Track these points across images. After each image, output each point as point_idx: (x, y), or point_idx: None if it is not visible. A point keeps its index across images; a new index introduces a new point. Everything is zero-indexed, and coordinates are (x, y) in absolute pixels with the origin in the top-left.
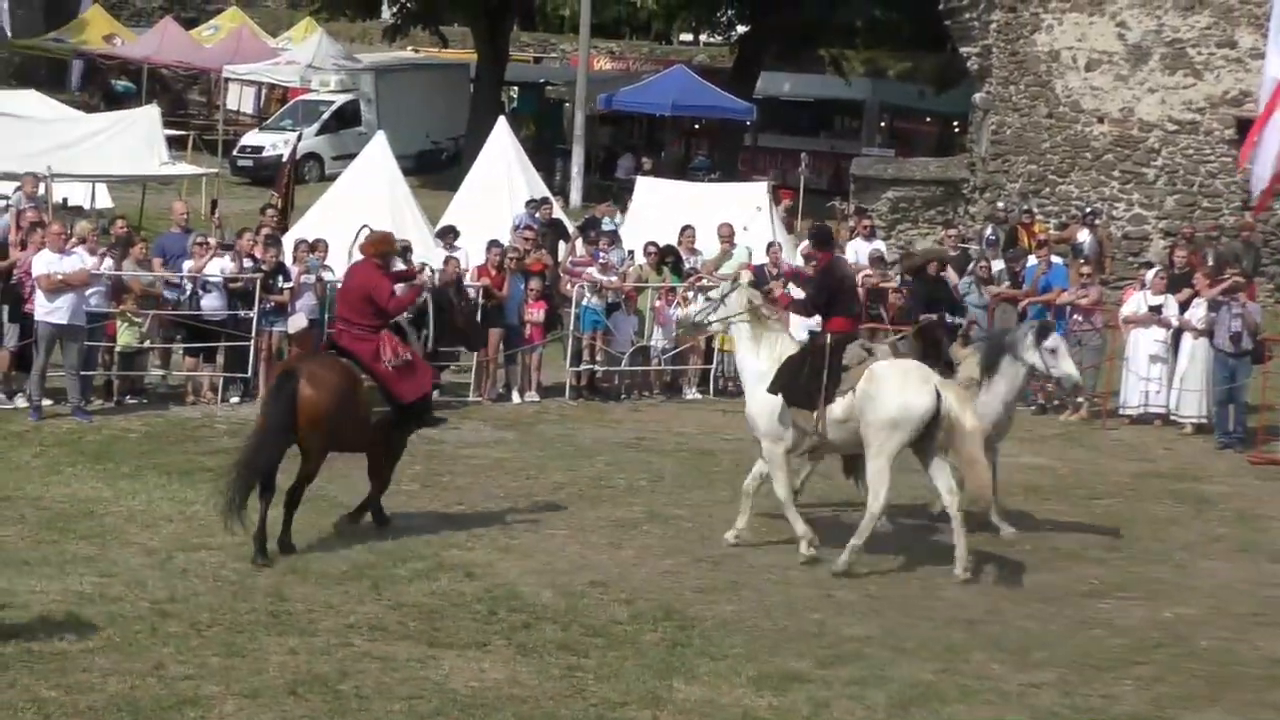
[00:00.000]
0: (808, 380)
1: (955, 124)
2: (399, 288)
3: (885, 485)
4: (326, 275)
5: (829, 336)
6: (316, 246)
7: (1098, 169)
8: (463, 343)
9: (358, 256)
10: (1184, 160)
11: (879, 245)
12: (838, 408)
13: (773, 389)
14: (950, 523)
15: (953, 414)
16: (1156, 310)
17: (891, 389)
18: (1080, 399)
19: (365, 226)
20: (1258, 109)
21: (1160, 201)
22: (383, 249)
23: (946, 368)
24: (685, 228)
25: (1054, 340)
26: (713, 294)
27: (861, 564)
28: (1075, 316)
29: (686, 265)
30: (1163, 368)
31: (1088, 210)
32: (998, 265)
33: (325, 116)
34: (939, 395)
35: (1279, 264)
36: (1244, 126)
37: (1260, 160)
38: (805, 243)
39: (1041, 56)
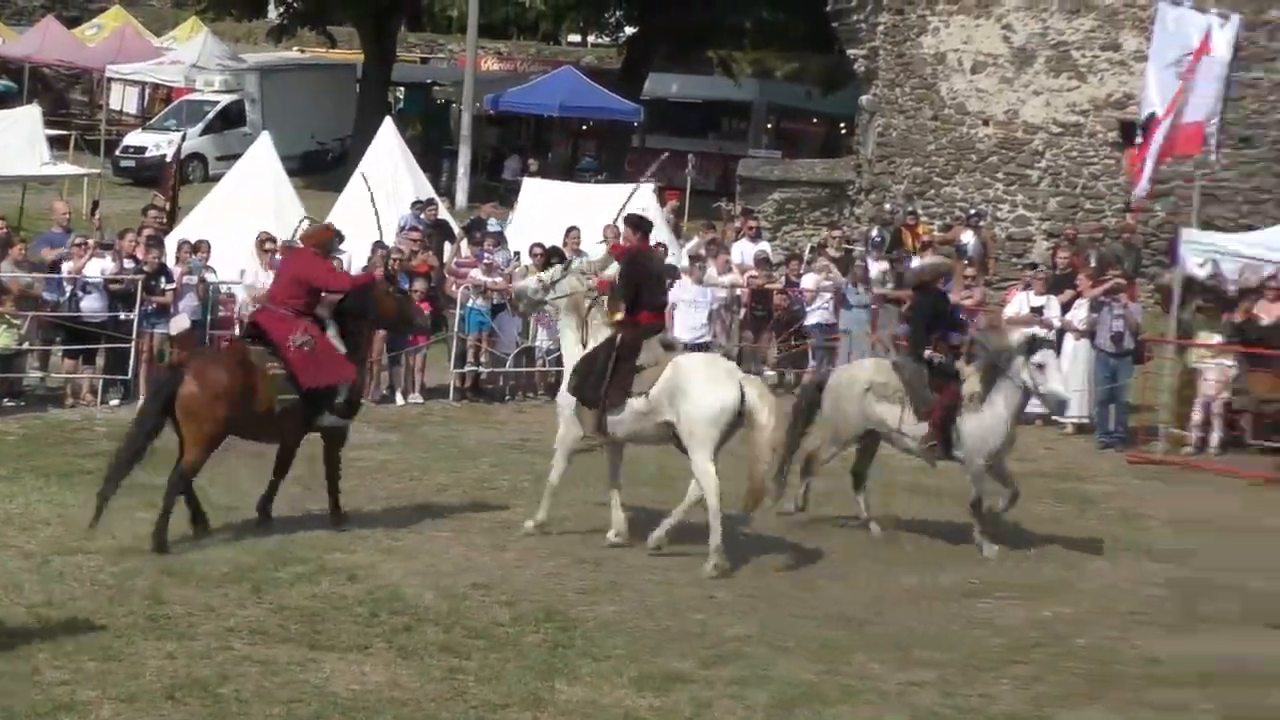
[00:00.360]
0: (599, 375)
1: (842, 126)
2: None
3: (715, 479)
4: (209, 276)
5: (631, 330)
6: (199, 247)
7: (982, 171)
8: (411, 329)
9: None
10: (1067, 162)
11: (765, 246)
12: (638, 403)
13: (569, 387)
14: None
15: (754, 409)
16: (1039, 311)
17: (701, 383)
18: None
19: (305, 219)
20: (1139, 113)
21: (1044, 203)
22: (322, 239)
23: (954, 382)
24: (571, 229)
25: (1042, 355)
26: (544, 275)
27: (742, 564)
28: (959, 318)
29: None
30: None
31: (972, 212)
32: (881, 266)
33: (210, 117)
34: (742, 389)
35: (1160, 265)
36: (1127, 129)
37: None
38: (693, 242)
39: (928, 59)
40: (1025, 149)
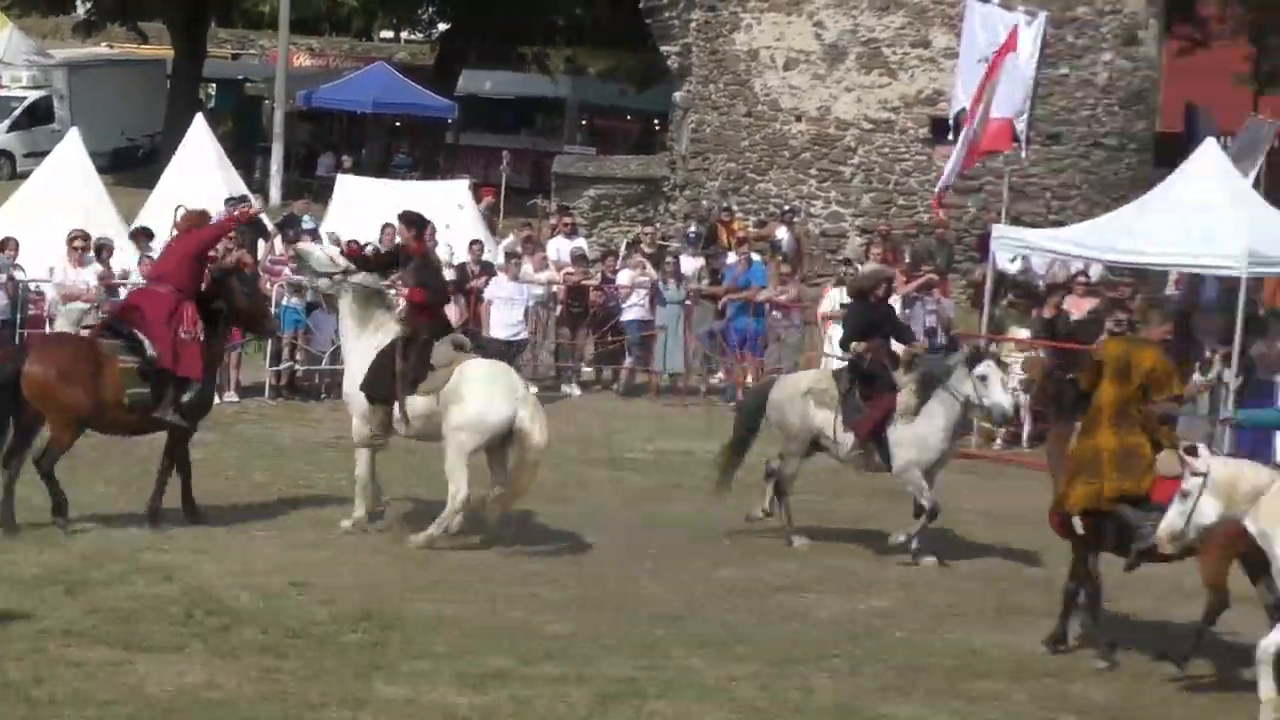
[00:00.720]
0: (392, 373)
1: (656, 122)
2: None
3: (464, 479)
4: (17, 275)
5: (426, 328)
6: (6, 245)
7: (795, 167)
8: (250, 327)
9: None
10: (880, 159)
11: (580, 243)
12: (421, 403)
13: (363, 387)
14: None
15: (524, 426)
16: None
17: (479, 391)
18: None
19: (180, 207)
20: (950, 110)
21: (857, 199)
22: (198, 221)
23: (890, 392)
24: (385, 226)
25: (984, 367)
26: (338, 258)
27: (564, 562)
28: (774, 313)
29: None
30: None
31: (786, 208)
32: (696, 262)
33: (16, 113)
34: (517, 410)
35: (971, 261)
36: (938, 125)
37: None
38: (508, 239)
39: (740, 55)
40: (838, 145)
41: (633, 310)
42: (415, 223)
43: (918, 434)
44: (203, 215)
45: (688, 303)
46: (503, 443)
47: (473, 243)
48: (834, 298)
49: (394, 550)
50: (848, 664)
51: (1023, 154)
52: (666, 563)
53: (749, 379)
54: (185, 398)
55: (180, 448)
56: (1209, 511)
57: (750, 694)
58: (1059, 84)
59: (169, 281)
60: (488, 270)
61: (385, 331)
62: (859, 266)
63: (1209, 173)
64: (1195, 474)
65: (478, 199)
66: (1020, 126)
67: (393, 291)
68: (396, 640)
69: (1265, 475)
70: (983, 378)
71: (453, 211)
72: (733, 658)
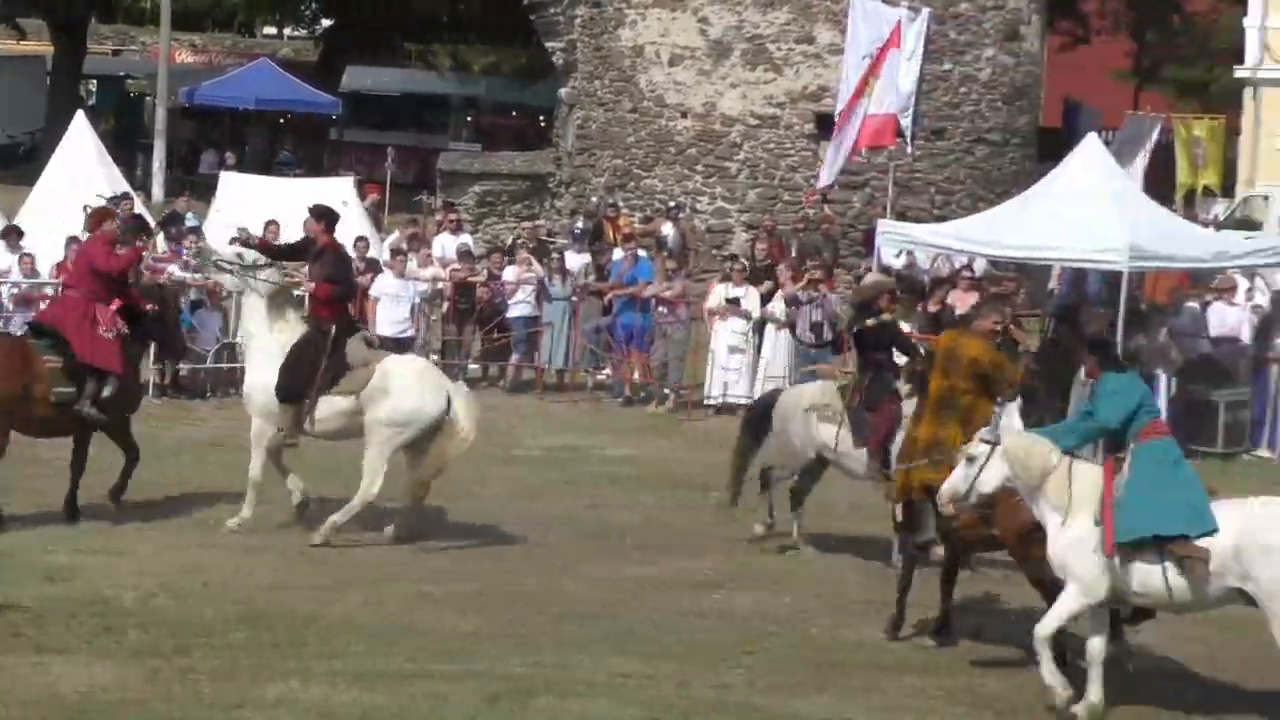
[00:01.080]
0: (307, 372)
1: (541, 118)
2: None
3: (380, 476)
4: None
5: (337, 326)
6: None
7: (681, 163)
8: (165, 346)
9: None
10: (765, 154)
11: (466, 240)
12: (341, 403)
13: (278, 388)
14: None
15: (456, 418)
16: (737, 302)
17: (407, 388)
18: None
19: (86, 206)
20: (835, 106)
21: (742, 195)
22: (102, 219)
23: (893, 400)
24: (270, 223)
25: None
26: (245, 253)
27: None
28: (660, 309)
29: None
30: (743, 358)
31: (671, 204)
32: (583, 259)
33: None
34: (450, 398)
35: (857, 256)
36: (823, 121)
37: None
38: (394, 236)
39: (626, 52)
40: (723, 141)
41: (519, 307)
42: (325, 216)
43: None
44: (104, 210)
45: (574, 299)
46: (424, 436)
47: (358, 240)
48: (720, 293)
49: (285, 549)
50: (763, 661)
51: (908, 149)
52: (574, 560)
53: (635, 375)
54: (104, 392)
55: (85, 447)
56: (992, 479)
57: (666, 692)
58: (943, 79)
59: (82, 287)
60: (373, 267)
61: (292, 330)
62: (865, 278)
63: (1091, 168)
64: (984, 441)
65: (363, 196)
66: (905, 122)
67: (298, 291)
68: (292, 639)
69: (1056, 457)
70: None
71: (338, 209)
72: (648, 655)
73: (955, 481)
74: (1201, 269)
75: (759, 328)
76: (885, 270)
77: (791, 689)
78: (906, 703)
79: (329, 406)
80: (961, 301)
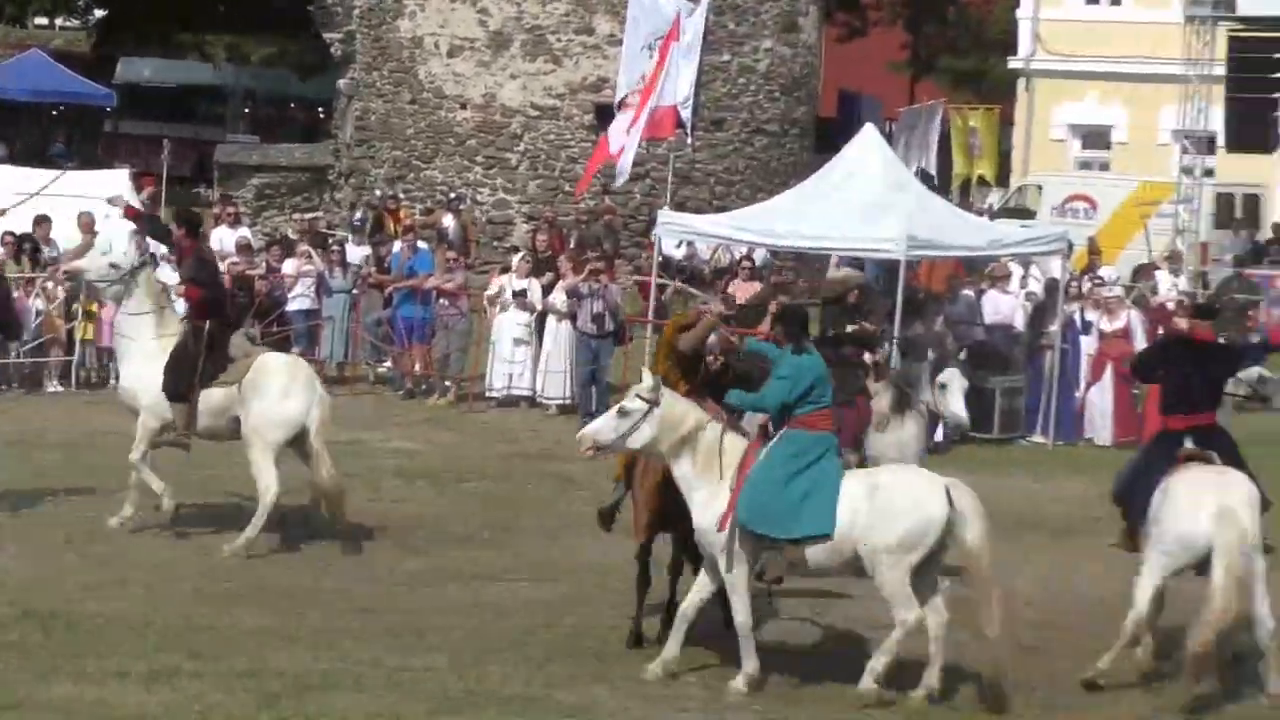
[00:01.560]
0: (189, 371)
1: (321, 110)
2: None
3: (273, 476)
4: None
5: (213, 324)
6: None
7: (461, 154)
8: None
9: None
10: (545, 145)
11: (245, 232)
12: (219, 395)
13: (165, 388)
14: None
15: (316, 416)
16: (520, 294)
17: (278, 386)
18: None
19: None
20: (614, 97)
21: (523, 186)
22: None
23: (862, 398)
24: (42, 217)
25: (945, 375)
26: (116, 259)
27: (255, 556)
28: (441, 301)
29: (45, 255)
30: (527, 350)
31: (452, 195)
32: (363, 251)
33: None
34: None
35: (638, 246)
36: (602, 112)
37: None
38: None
39: (405, 43)
40: (504, 132)
41: (298, 300)
42: (188, 221)
43: (900, 440)
44: None
45: (354, 292)
46: (295, 439)
47: (134, 234)
48: (504, 284)
49: (77, 548)
50: (540, 652)
51: (688, 140)
52: (355, 555)
53: (416, 367)
54: None
55: None
56: (643, 436)
57: (445, 684)
58: (721, 70)
59: None
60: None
61: (173, 329)
62: (832, 274)
63: (868, 158)
64: (642, 398)
65: (139, 189)
66: (685, 114)
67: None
68: (82, 639)
69: (711, 430)
70: (943, 386)
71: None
72: (426, 648)
73: (603, 429)
74: (976, 257)
75: (540, 319)
76: (666, 261)
77: (569, 679)
78: (692, 690)
79: (209, 400)
80: (743, 291)
